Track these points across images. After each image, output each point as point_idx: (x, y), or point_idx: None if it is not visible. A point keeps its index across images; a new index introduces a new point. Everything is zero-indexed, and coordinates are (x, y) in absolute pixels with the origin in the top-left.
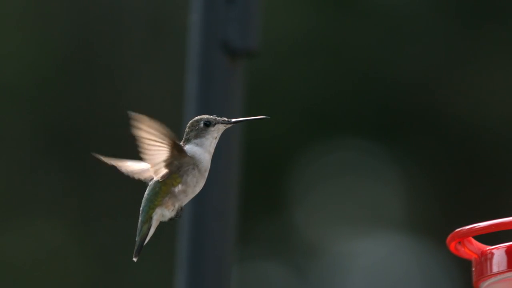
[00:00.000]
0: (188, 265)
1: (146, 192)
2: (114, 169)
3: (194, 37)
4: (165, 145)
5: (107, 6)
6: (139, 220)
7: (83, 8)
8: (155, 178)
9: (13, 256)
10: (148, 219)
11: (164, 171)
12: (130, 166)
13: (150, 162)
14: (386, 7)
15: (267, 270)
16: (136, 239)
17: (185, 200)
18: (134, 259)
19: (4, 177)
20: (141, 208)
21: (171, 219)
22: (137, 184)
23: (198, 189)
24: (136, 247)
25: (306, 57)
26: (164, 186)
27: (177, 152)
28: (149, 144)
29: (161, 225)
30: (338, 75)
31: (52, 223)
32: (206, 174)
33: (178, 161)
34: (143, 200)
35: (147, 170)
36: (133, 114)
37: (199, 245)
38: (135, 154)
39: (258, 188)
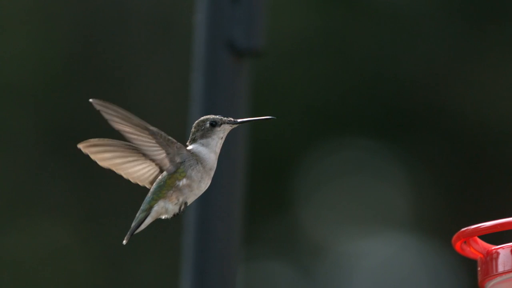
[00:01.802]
0: (193, 264)
1: (153, 185)
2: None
3: (199, 37)
4: (147, 136)
5: (113, 5)
6: (140, 208)
7: (89, 8)
8: (164, 172)
9: (19, 255)
10: (148, 209)
11: (168, 164)
12: (128, 169)
13: (148, 155)
14: (391, 7)
15: (272, 269)
16: (132, 224)
17: (190, 195)
18: (124, 242)
19: (10, 176)
20: (144, 200)
21: (174, 215)
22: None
23: (203, 185)
24: (129, 232)
25: (311, 56)
26: (169, 180)
27: (165, 142)
28: (131, 136)
29: (167, 225)
30: (343, 74)
31: (58, 223)
32: (212, 172)
33: (176, 154)
34: (148, 193)
35: (146, 173)
36: (97, 102)
37: (205, 245)
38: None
39: (264, 188)
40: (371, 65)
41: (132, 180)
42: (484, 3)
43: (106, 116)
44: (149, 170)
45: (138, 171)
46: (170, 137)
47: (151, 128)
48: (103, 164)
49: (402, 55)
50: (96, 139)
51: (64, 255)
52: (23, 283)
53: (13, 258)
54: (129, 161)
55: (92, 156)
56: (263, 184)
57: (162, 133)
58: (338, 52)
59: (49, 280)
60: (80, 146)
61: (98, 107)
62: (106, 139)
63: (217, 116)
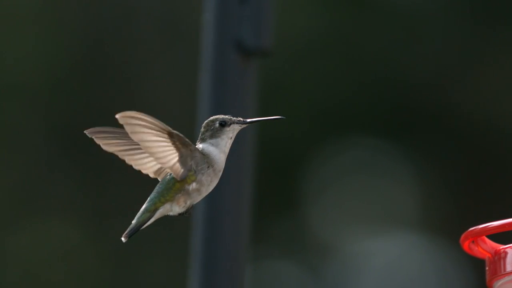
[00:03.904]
0: (202, 264)
1: (158, 185)
2: (128, 167)
3: (207, 37)
4: (166, 141)
5: (121, 6)
6: (143, 207)
7: (96, 9)
8: (175, 177)
9: (27, 253)
10: (153, 210)
11: (180, 170)
12: (135, 157)
13: (162, 162)
14: (399, 7)
15: (280, 269)
16: (133, 222)
17: (197, 198)
18: (123, 239)
19: (19, 176)
20: (149, 198)
21: (180, 214)
22: (152, 182)
23: (211, 188)
24: (130, 229)
25: (319, 56)
26: (178, 183)
27: (181, 145)
28: (151, 144)
29: (175, 223)
30: (351, 74)
31: (66, 221)
32: (220, 174)
33: (190, 157)
34: (153, 191)
35: (154, 165)
36: (122, 114)
37: (213, 245)
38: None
39: (272, 187)
40: (379, 64)
41: (135, 167)
42: (493, 3)
43: (129, 129)
44: (154, 161)
45: (142, 159)
46: (187, 140)
47: (172, 131)
48: (107, 149)
49: (409, 55)
50: (104, 127)
51: (73, 254)
52: (31, 282)
53: (22, 257)
54: (136, 152)
55: (97, 141)
56: (271, 183)
57: (181, 135)
58: (346, 52)
59: (57, 278)
60: (87, 131)
61: (121, 121)
62: (114, 128)
63: (227, 116)
